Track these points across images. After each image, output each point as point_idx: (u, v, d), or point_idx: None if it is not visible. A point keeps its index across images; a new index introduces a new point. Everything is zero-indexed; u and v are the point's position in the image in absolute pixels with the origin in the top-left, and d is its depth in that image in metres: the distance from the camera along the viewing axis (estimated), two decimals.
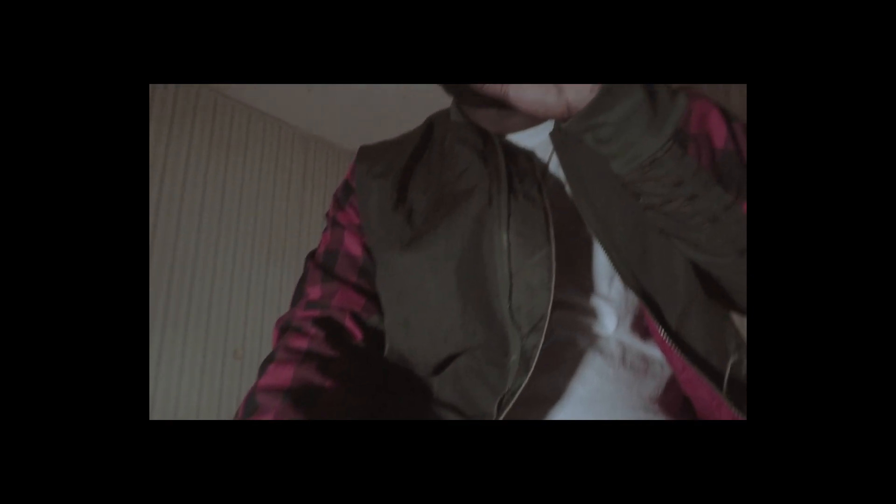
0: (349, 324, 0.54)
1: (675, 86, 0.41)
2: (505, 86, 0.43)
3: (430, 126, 0.64)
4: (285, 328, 0.55)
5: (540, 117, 0.44)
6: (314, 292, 0.57)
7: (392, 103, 2.18)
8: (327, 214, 0.65)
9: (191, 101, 2.05)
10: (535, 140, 0.57)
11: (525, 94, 0.43)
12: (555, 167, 0.55)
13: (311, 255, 0.63)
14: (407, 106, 2.18)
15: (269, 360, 0.51)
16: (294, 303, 0.60)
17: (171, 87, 2.00)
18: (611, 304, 0.50)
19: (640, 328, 0.51)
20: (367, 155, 0.63)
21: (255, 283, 2.12)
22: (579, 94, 0.40)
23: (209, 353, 1.96)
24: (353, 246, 0.59)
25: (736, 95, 1.82)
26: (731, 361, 0.47)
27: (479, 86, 0.44)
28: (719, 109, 0.42)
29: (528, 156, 0.55)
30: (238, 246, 2.09)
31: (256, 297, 2.11)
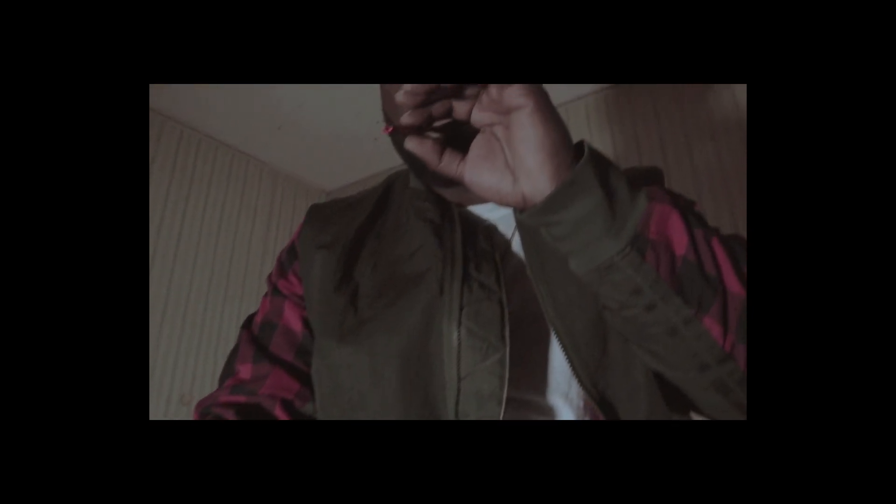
0: (279, 413, 0.48)
1: (636, 180, 0.38)
2: (460, 168, 0.40)
3: (388, 188, 0.60)
4: (205, 415, 0.49)
5: (495, 203, 0.41)
6: (244, 371, 0.51)
7: (363, 143, 2.16)
8: (269, 278, 0.60)
9: (155, 131, 1.98)
10: (498, 214, 0.54)
11: (481, 180, 0.39)
12: (517, 246, 0.51)
13: (248, 323, 0.57)
14: (377, 147, 2.16)
15: None
16: (222, 380, 0.53)
17: None
18: (569, 403, 0.45)
19: None
20: (317, 217, 0.58)
21: (209, 324, 2.01)
22: (536, 186, 0.36)
23: (153, 395, 1.83)
24: (292, 319, 0.54)
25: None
26: None
27: (436, 166, 0.41)
28: (679, 213, 0.39)
29: (489, 233, 0.51)
30: (193, 283, 1.99)
31: (209, 339, 2.00)
